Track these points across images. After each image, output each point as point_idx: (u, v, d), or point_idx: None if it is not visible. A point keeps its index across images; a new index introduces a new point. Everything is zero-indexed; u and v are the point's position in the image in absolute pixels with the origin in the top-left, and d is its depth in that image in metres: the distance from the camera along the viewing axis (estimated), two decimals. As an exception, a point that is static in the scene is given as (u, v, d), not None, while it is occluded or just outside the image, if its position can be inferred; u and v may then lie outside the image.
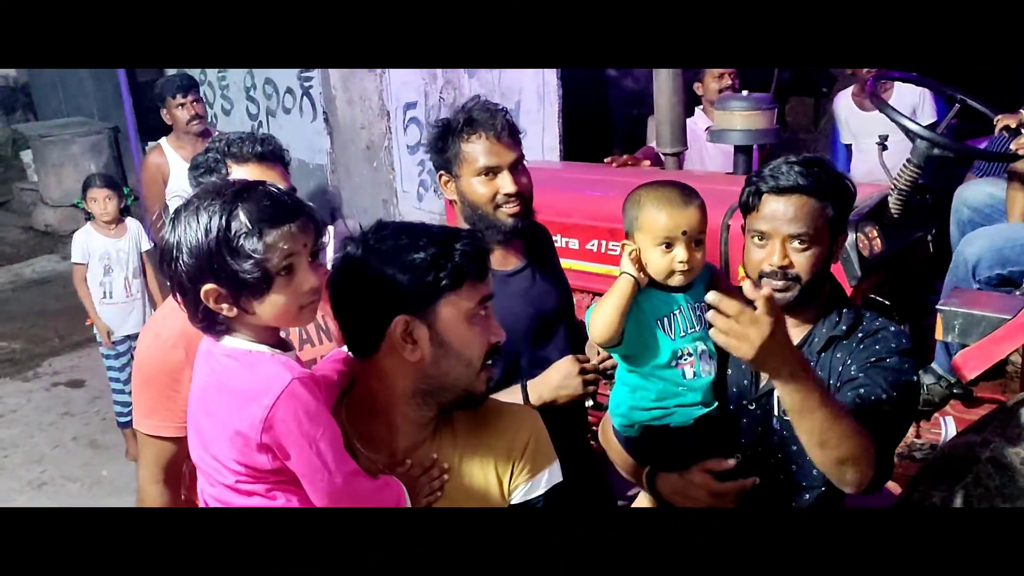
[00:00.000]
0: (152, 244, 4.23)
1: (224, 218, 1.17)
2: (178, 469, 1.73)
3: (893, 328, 1.73)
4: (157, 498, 1.73)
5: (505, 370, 1.97)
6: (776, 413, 1.71)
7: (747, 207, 1.73)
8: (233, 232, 1.17)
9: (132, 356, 4.10)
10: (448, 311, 1.30)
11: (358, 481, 1.27)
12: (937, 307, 2.41)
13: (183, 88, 3.97)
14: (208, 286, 1.19)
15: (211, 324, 1.24)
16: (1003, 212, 3.05)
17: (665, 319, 1.70)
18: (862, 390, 1.60)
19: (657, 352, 1.69)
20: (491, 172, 1.92)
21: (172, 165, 3.97)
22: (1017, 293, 2.56)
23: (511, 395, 1.92)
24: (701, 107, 4.02)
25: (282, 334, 1.33)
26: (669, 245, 1.65)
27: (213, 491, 1.31)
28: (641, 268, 1.68)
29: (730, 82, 3.86)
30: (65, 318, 5.75)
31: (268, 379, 1.21)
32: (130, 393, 4.05)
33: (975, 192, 3.17)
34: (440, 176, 2.01)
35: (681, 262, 1.65)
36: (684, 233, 1.64)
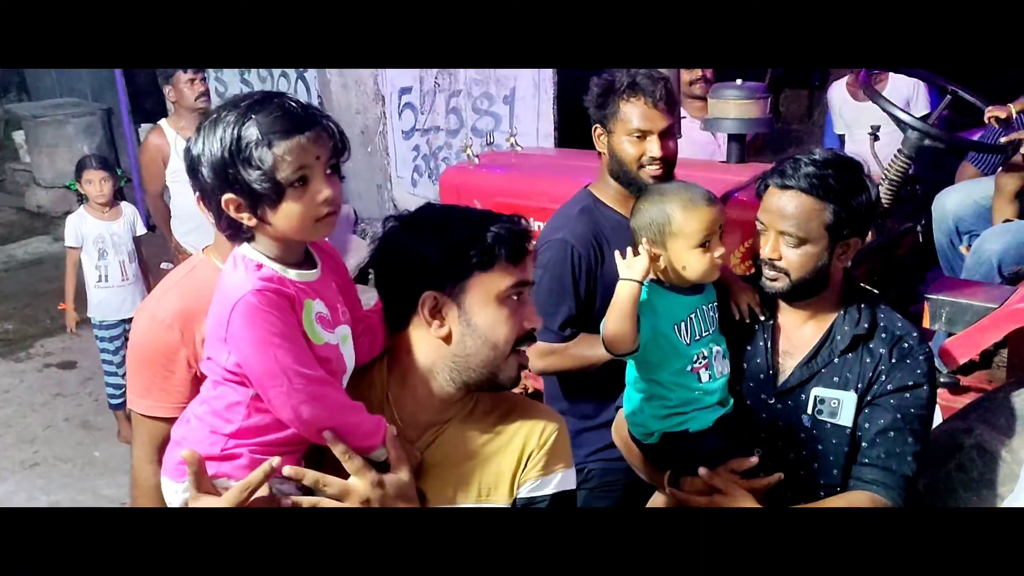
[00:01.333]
0: (146, 229, 4.22)
1: (236, 129, 1.20)
2: (172, 449, 1.75)
3: (916, 335, 1.74)
4: (151, 478, 1.72)
5: None
6: (809, 411, 1.72)
7: (758, 193, 1.75)
8: (244, 143, 1.20)
9: (126, 339, 4.12)
10: (477, 291, 1.31)
11: (329, 391, 1.28)
12: (925, 296, 2.44)
13: None
14: (227, 195, 1.23)
15: (236, 232, 1.28)
16: (988, 219, 3.09)
17: (682, 324, 1.69)
18: (892, 434, 1.68)
19: (675, 359, 1.69)
20: (642, 135, 2.07)
21: (173, 146, 3.97)
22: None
23: None
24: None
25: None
26: (706, 244, 1.65)
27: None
28: (659, 272, 1.68)
29: (701, 73, 3.87)
30: (58, 299, 5.74)
31: (237, 285, 1.25)
32: (123, 376, 4.07)
33: (957, 199, 3.21)
34: (595, 128, 2.18)
35: (719, 257, 1.66)
36: (720, 227, 1.66)
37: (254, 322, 1.22)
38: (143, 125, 7.01)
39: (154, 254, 4.35)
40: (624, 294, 1.64)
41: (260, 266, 1.27)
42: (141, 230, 4.16)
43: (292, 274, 1.29)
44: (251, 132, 1.20)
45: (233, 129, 1.20)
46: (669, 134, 2.10)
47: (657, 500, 1.88)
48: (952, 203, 3.24)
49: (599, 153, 2.19)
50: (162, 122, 4.11)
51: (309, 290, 1.30)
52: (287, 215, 1.23)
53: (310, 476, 1.29)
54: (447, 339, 1.34)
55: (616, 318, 1.64)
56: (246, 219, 1.24)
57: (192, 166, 1.25)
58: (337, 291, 1.36)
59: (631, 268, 1.64)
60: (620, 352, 1.69)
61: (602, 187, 2.21)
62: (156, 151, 4.02)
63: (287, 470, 1.28)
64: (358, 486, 1.29)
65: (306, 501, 1.29)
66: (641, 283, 1.64)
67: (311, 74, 6.05)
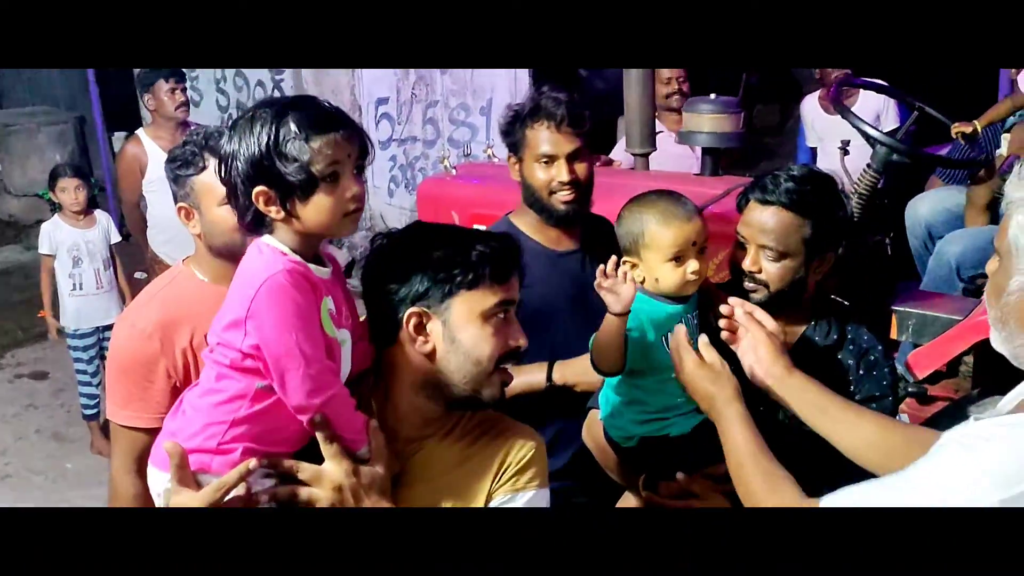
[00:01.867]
0: (121, 237, 4.20)
1: (275, 124, 1.25)
2: (150, 459, 1.75)
3: (880, 349, 1.79)
4: (130, 488, 1.73)
5: (536, 343, 2.05)
6: (780, 418, 1.73)
7: (739, 207, 1.79)
8: (283, 137, 1.25)
9: (100, 348, 4.10)
10: (462, 309, 1.34)
11: (337, 382, 1.31)
12: (892, 308, 2.50)
13: (177, 74, 4.00)
14: (259, 188, 1.26)
15: (259, 227, 1.31)
16: (959, 226, 3.16)
17: (669, 333, 1.70)
18: None
19: (661, 367, 1.70)
20: (548, 160, 2.03)
21: (150, 155, 3.95)
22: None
23: (537, 371, 1.98)
24: (656, 113, 4.08)
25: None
26: (679, 259, 1.65)
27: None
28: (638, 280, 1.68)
29: (677, 87, 3.92)
30: (29, 309, 5.68)
31: (264, 266, 1.28)
32: (97, 385, 4.05)
33: (924, 208, 3.28)
34: (509, 157, 2.15)
35: (693, 273, 1.65)
36: (694, 244, 1.66)
37: (281, 300, 1.25)
38: (116, 133, 6.97)
39: (128, 263, 4.32)
40: (612, 329, 1.64)
41: (285, 253, 1.30)
42: (115, 238, 4.14)
43: (311, 267, 1.32)
44: (290, 127, 1.25)
45: (271, 124, 1.25)
46: (578, 157, 2.05)
47: (627, 503, 1.91)
48: (924, 210, 3.30)
49: (517, 183, 2.15)
50: (139, 131, 4.10)
51: (323, 286, 1.33)
52: (317, 208, 1.27)
53: (284, 463, 1.31)
54: (431, 356, 1.36)
55: (604, 349, 1.66)
56: (274, 212, 1.28)
57: (226, 162, 1.29)
58: (342, 295, 1.39)
59: (617, 301, 1.61)
60: (609, 375, 1.73)
61: (521, 215, 2.17)
62: (133, 160, 4.00)
63: (261, 462, 1.29)
64: (331, 471, 1.31)
65: (282, 490, 1.31)
66: (626, 315, 1.63)
67: (288, 84, 6.06)
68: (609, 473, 1.90)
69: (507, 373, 1.41)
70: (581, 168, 2.05)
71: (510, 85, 4.99)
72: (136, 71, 4.23)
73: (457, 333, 1.34)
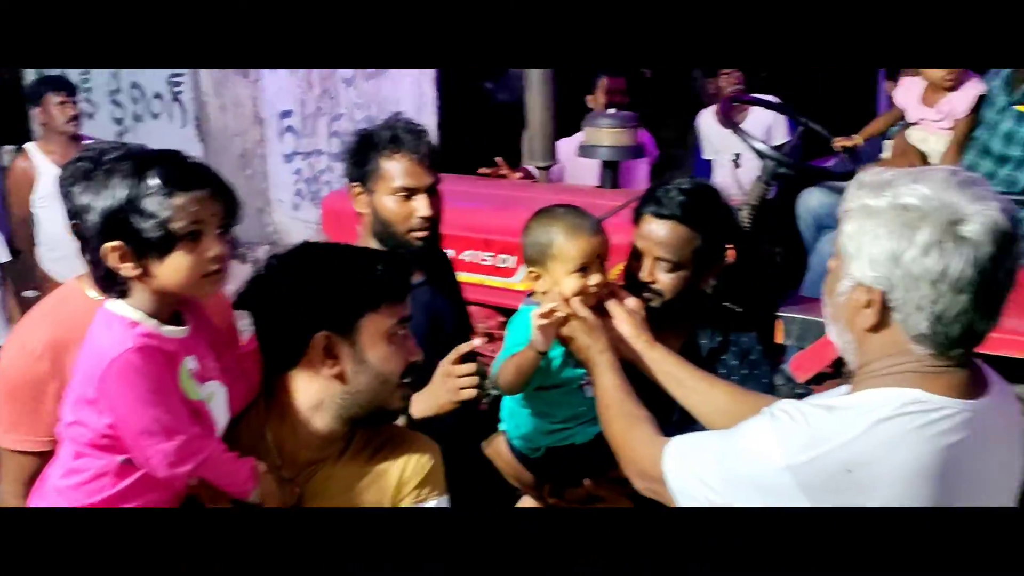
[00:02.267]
0: (11, 256, 4.03)
1: (135, 178, 1.20)
2: (42, 484, 1.69)
3: (760, 349, 1.90)
4: (20, 513, 1.68)
5: None
6: (673, 420, 1.77)
7: (634, 220, 1.85)
8: (142, 191, 1.20)
9: (-13, 370, 3.91)
10: (368, 329, 1.35)
11: (206, 445, 1.28)
12: (776, 313, 2.62)
13: (66, 86, 3.88)
14: (113, 243, 1.21)
15: (110, 284, 1.26)
16: None
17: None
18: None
19: (562, 379, 1.76)
20: (408, 193, 1.91)
21: (40, 170, 3.82)
22: None
23: None
24: None
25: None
26: (584, 270, 1.69)
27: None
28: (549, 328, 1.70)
29: (619, 98, 4.04)
30: (-92, 332, 5.37)
31: (112, 342, 1.24)
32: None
33: (814, 200, 3.45)
34: (353, 187, 1.99)
35: (596, 285, 1.70)
36: (598, 257, 1.71)
37: (132, 381, 1.21)
38: (4, 147, 6.66)
39: (18, 281, 4.14)
40: (529, 363, 1.67)
41: (135, 324, 1.25)
42: (5, 256, 3.97)
43: (165, 330, 1.28)
44: (151, 181, 1.21)
45: (131, 178, 1.21)
46: (434, 191, 1.96)
47: (526, 500, 1.95)
48: (815, 201, 3.45)
49: (358, 214, 2.01)
50: (28, 145, 3.96)
51: (181, 347, 1.30)
52: (175, 267, 1.24)
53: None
54: (340, 377, 1.36)
55: (518, 377, 1.70)
56: (129, 268, 1.23)
57: (78, 212, 1.26)
58: (207, 346, 1.36)
59: (543, 340, 1.64)
60: (512, 395, 1.77)
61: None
62: (22, 175, 3.87)
63: None
64: None
65: None
66: (544, 353, 1.67)
67: (187, 95, 5.92)
68: (513, 482, 1.94)
69: (407, 387, 1.44)
70: (437, 203, 1.96)
71: (416, 99, 5.01)
72: (24, 84, 4.07)
73: (365, 353, 1.36)
